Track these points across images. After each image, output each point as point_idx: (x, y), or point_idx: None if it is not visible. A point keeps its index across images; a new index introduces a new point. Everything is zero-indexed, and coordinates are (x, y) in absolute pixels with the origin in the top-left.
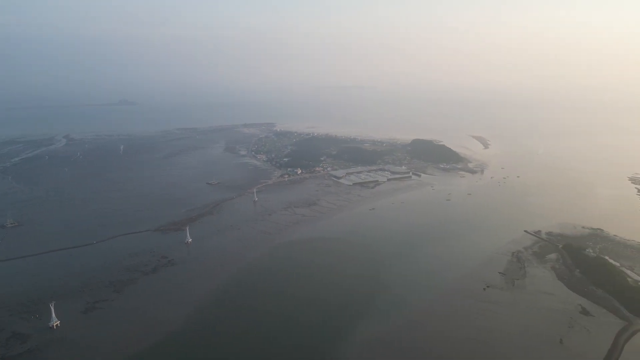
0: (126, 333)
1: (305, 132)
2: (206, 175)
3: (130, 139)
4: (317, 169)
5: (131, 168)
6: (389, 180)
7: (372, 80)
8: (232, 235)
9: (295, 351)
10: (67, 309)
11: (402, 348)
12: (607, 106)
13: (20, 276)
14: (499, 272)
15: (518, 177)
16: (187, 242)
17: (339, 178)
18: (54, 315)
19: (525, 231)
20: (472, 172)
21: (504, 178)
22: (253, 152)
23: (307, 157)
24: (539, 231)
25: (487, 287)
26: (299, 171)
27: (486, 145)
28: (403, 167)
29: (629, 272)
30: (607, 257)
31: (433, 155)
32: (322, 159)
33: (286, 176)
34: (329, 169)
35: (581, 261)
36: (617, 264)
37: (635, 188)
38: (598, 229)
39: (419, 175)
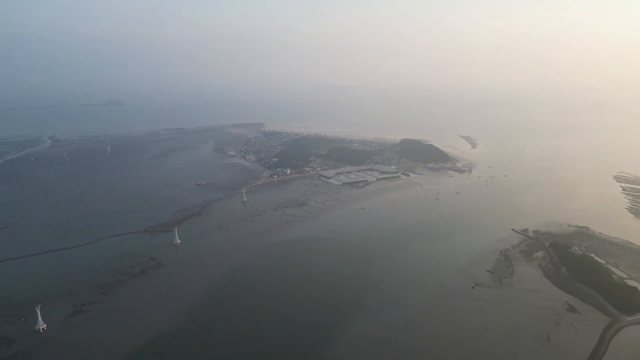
0: (114, 336)
1: (294, 132)
2: (195, 176)
3: (117, 140)
4: (306, 169)
5: (118, 169)
6: (378, 180)
7: (363, 80)
8: (221, 236)
9: (288, 351)
10: (54, 312)
11: (393, 346)
12: (596, 105)
13: (5, 279)
14: (488, 271)
15: (505, 176)
16: (176, 243)
17: (328, 178)
18: (40, 318)
19: (512, 230)
20: (460, 171)
21: (492, 177)
22: (242, 153)
23: (296, 157)
24: (526, 230)
25: (476, 285)
26: (289, 171)
27: (474, 145)
28: (392, 167)
29: (614, 269)
30: (592, 255)
31: (422, 155)
32: (311, 159)
33: (275, 176)
34: (318, 169)
35: (567, 259)
36: (603, 262)
37: (620, 186)
38: (584, 227)
39: (408, 175)
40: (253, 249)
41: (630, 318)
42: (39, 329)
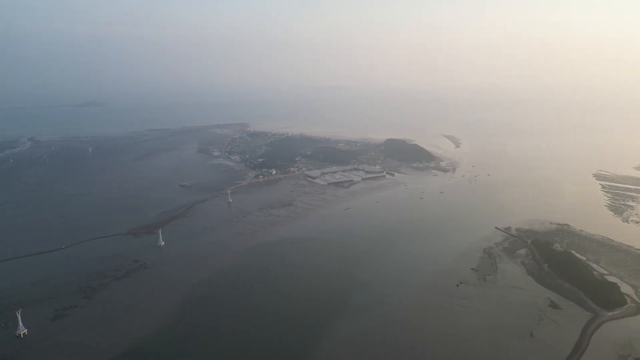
0: (97, 340)
1: (279, 133)
2: (179, 177)
3: (98, 141)
4: (292, 169)
5: (100, 171)
6: (363, 179)
7: (349, 80)
8: (206, 237)
9: (276, 351)
10: (35, 316)
11: (380, 343)
12: (582, 105)
13: None
14: (472, 269)
15: (488, 175)
16: (160, 245)
17: (314, 178)
18: (20, 323)
19: (496, 228)
20: (444, 170)
21: (475, 176)
22: (226, 153)
23: (281, 158)
24: (509, 227)
25: (460, 283)
26: (274, 172)
27: (457, 144)
28: (377, 167)
29: (594, 265)
30: (573, 252)
31: (406, 155)
32: (296, 159)
33: (261, 177)
34: (303, 169)
35: (549, 256)
36: (584, 258)
37: (600, 184)
38: (565, 224)
39: (393, 175)
40: (238, 250)
41: (610, 313)
42: (20, 334)
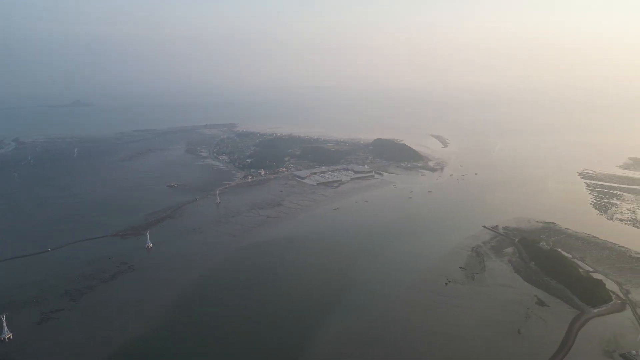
0: (83, 343)
1: (268, 133)
2: (166, 178)
3: (85, 142)
4: (281, 169)
5: (87, 172)
6: (352, 179)
7: (335, 81)
8: (194, 238)
9: (267, 352)
10: (20, 320)
11: (370, 341)
12: (571, 105)
13: None
14: (460, 267)
15: (476, 174)
16: (148, 246)
17: (303, 178)
18: (5, 327)
19: (483, 226)
20: (432, 170)
21: (463, 175)
22: (215, 154)
23: (270, 158)
24: (497, 226)
25: (449, 281)
26: (263, 172)
27: (445, 144)
28: (366, 167)
29: (580, 262)
30: (559, 250)
31: (394, 154)
32: (285, 159)
33: (249, 177)
34: (293, 169)
35: (536, 254)
36: (570, 256)
37: (585, 183)
38: (551, 222)
39: (382, 174)
40: (227, 251)
41: (596, 310)
42: (5, 338)
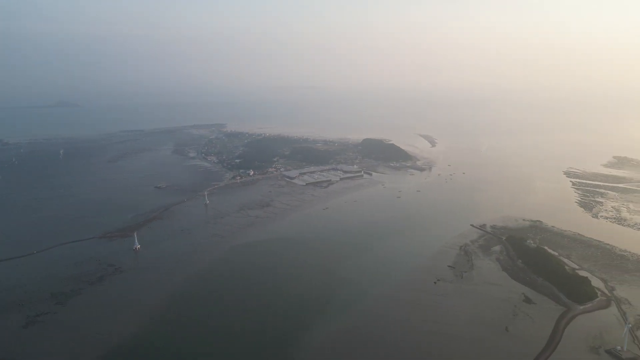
0: (69, 347)
1: (256, 133)
2: (154, 179)
3: (70, 142)
4: (270, 169)
5: (73, 173)
6: (341, 179)
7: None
8: (183, 239)
9: (262, 346)
10: (5, 324)
11: (361, 339)
12: (561, 104)
13: None
14: (449, 266)
15: (464, 173)
16: (136, 248)
17: (292, 178)
18: None
19: (471, 225)
20: (421, 169)
21: (451, 175)
22: (203, 154)
23: (259, 158)
24: (484, 225)
25: (438, 280)
26: (252, 172)
27: (433, 144)
28: (355, 166)
29: (566, 260)
30: (546, 247)
31: (383, 154)
32: (274, 159)
33: (238, 178)
34: (282, 169)
35: (523, 252)
36: (556, 254)
37: (570, 181)
38: (537, 220)
39: (370, 174)
40: (216, 252)
41: (582, 307)
42: None
